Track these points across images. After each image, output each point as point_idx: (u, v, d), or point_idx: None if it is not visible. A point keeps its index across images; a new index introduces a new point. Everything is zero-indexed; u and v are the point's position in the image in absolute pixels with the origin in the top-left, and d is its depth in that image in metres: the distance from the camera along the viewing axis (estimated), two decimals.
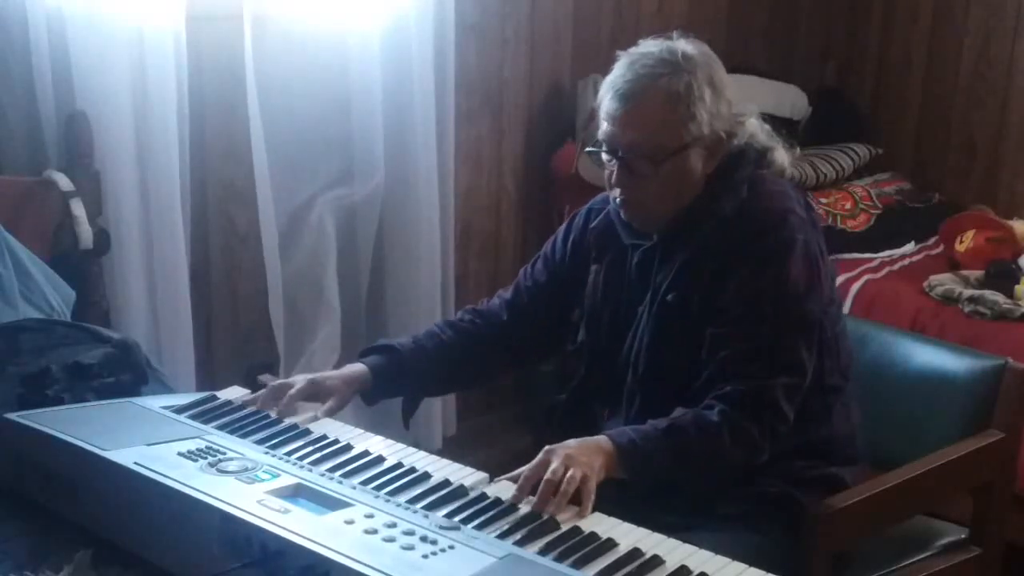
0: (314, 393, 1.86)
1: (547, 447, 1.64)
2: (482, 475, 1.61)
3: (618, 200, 1.90)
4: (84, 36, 2.52)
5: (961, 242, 3.44)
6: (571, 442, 1.68)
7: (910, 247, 3.59)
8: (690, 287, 1.86)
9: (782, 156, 1.96)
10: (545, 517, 1.50)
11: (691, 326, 1.85)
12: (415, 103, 3.07)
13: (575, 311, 2.04)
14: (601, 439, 1.72)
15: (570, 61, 3.62)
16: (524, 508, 1.52)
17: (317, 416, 1.80)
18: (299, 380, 1.87)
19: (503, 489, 1.57)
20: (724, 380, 1.79)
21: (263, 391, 1.83)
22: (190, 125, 2.74)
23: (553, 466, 1.59)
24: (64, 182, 2.48)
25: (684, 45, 1.85)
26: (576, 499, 1.56)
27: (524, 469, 1.60)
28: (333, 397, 1.86)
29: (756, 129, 1.93)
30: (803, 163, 3.60)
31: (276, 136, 2.88)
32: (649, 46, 1.87)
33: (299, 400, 1.83)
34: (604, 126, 1.86)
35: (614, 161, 1.86)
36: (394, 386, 1.99)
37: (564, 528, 1.47)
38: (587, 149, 1.98)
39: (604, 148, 1.87)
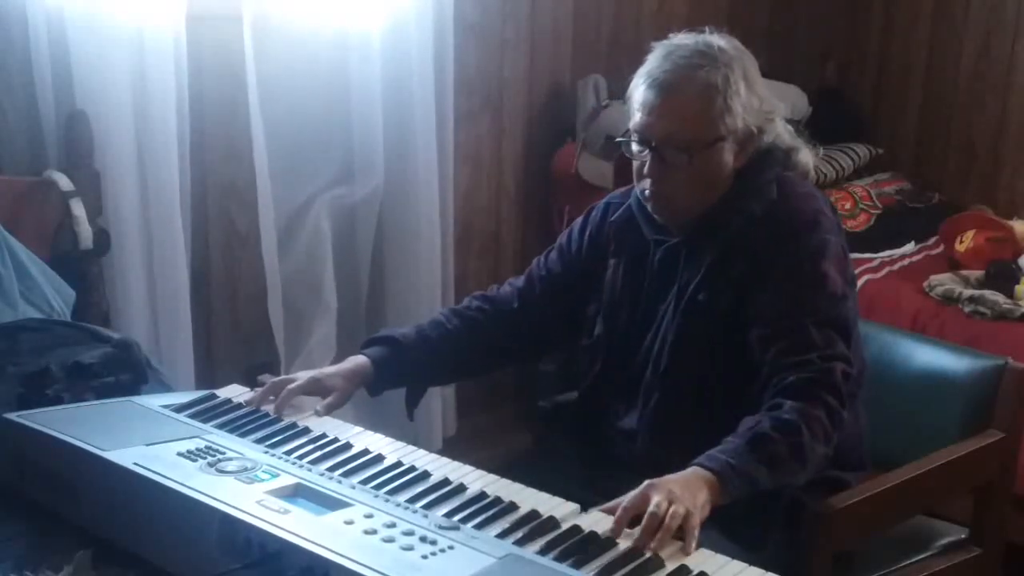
0: (315, 390, 1.85)
1: (648, 481, 1.55)
2: (481, 473, 1.59)
3: (646, 192, 1.89)
4: (84, 36, 2.52)
5: (961, 242, 3.43)
6: (670, 477, 1.59)
7: (910, 247, 3.59)
8: (720, 286, 1.85)
9: (807, 157, 1.96)
10: (648, 554, 1.42)
11: (719, 326, 1.84)
12: (415, 103, 3.08)
13: (590, 305, 2.02)
14: (697, 470, 1.63)
15: (570, 61, 3.62)
16: (623, 543, 1.44)
17: (318, 411, 1.79)
18: (300, 376, 1.86)
19: (598, 521, 1.49)
20: (784, 371, 1.76)
21: (262, 387, 1.83)
22: (190, 125, 2.74)
23: (656, 499, 1.50)
24: (64, 182, 2.48)
25: (718, 39, 1.86)
26: (678, 535, 1.48)
27: (622, 500, 1.52)
28: (334, 393, 1.85)
29: (781, 129, 1.93)
30: None
31: (276, 136, 2.88)
32: (683, 39, 1.87)
33: (297, 395, 1.82)
34: (637, 116, 1.85)
35: (645, 152, 1.85)
36: (397, 377, 1.98)
37: (563, 527, 1.46)
38: (617, 139, 1.95)
39: (635, 138, 1.86)
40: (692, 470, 1.63)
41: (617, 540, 1.44)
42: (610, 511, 1.51)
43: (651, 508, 1.48)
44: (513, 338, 2.08)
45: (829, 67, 4.29)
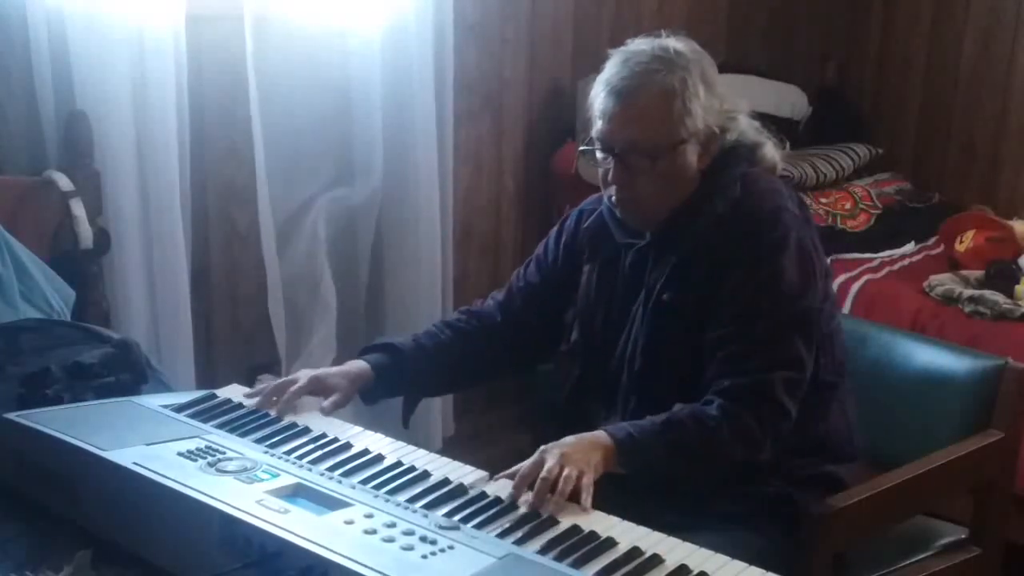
0: (316, 390, 1.86)
1: (543, 447, 1.65)
2: (482, 473, 1.61)
3: (613, 198, 1.90)
4: (84, 36, 2.52)
5: (961, 242, 3.43)
6: (568, 439, 1.68)
7: (910, 247, 3.59)
8: (685, 286, 1.86)
9: (772, 152, 1.97)
10: (544, 516, 1.50)
11: (686, 325, 1.86)
12: (414, 103, 3.08)
13: (569, 311, 2.04)
14: (599, 434, 1.72)
15: (570, 61, 3.62)
16: (523, 507, 1.52)
17: (323, 410, 1.79)
18: (301, 376, 1.86)
19: (501, 488, 1.58)
20: (723, 376, 1.80)
21: (264, 387, 1.83)
22: (190, 125, 2.74)
23: (548, 464, 1.59)
24: (64, 182, 2.48)
25: (675, 42, 1.87)
26: (575, 496, 1.56)
27: (520, 467, 1.60)
28: (336, 393, 1.86)
29: (745, 126, 1.94)
30: (803, 163, 3.60)
31: (275, 136, 2.88)
32: (640, 44, 1.88)
33: (300, 397, 1.82)
34: (599, 124, 1.86)
35: (609, 159, 1.86)
36: (395, 385, 1.99)
37: (563, 527, 1.47)
38: (580, 148, 1.98)
39: (599, 146, 1.87)
40: (593, 433, 1.72)
41: (518, 504, 1.53)
42: (510, 477, 1.59)
43: (543, 473, 1.56)
44: (502, 350, 2.09)
45: (829, 67, 4.28)
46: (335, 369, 1.95)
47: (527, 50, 3.51)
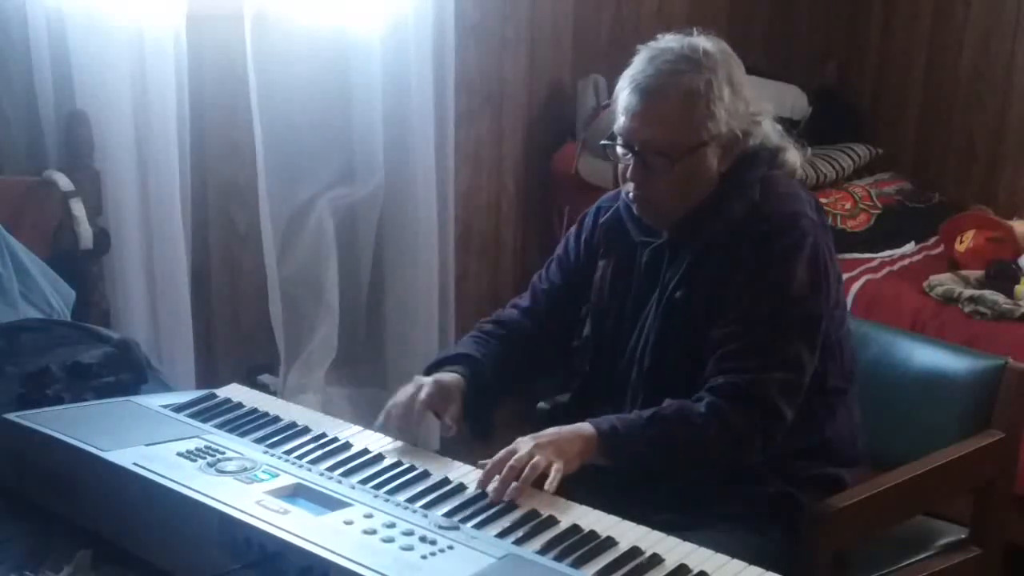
0: (439, 397, 1.83)
1: (519, 438, 1.66)
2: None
3: (631, 195, 1.90)
4: (84, 36, 2.53)
5: (961, 242, 3.43)
6: (548, 430, 1.69)
7: (910, 247, 3.59)
8: (697, 285, 1.86)
9: (794, 156, 1.96)
10: (492, 498, 1.52)
11: (696, 324, 1.85)
12: (414, 103, 3.08)
13: (583, 307, 2.03)
14: (584, 425, 1.73)
15: (570, 61, 3.62)
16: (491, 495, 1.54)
17: (450, 427, 1.79)
18: (424, 386, 1.83)
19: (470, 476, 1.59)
20: (719, 373, 1.79)
21: (394, 413, 1.80)
22: (190, 125, 2.75)
23: (518, 454, 1.60)
24: (64, 182, 2.48)
25: (704, 42, 1.85)
26: (541, 483, 1.57)
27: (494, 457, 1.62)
28: (453, 405, 1.84)
29: (769, 129, 1.93)
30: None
31: (276, 136, 2.89)
32: (670, 41, 1.86)
33: (427, 408, 1.81)
34: (621, 120, 1.85)
35: (629, 155, 1.86)
36: (477, 398, 1.93)
37: (563, 526, 1.46)
38: (601, 142, 1.96)
39: (620, 142, 1.87)
40: (577, 424, 1.73)
41: (485, 491, 1.55)
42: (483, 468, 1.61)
43: (511, 462, 1.59)
44: (536, 353, 2.06)
45: (829, 67, 4.28)
46: (442, 377, 1.88)
47: (527, 50, 3.51)
